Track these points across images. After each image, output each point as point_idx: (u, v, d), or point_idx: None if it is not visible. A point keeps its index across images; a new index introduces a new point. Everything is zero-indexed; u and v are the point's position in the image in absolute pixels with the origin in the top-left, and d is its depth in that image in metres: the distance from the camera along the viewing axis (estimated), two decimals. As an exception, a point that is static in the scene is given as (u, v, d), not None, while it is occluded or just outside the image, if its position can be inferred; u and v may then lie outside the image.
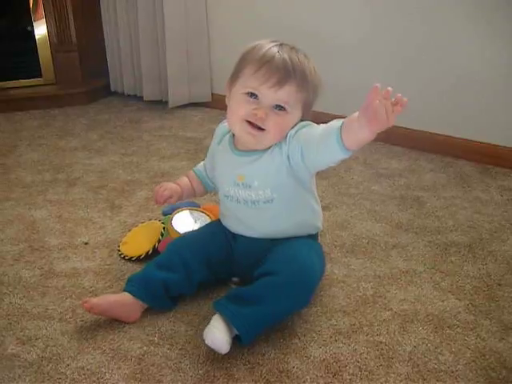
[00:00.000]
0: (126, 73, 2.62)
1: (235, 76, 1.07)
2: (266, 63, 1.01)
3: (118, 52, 2.61)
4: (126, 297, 1.08)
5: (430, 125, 1.92)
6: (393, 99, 0.85)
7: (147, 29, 2.43)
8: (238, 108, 1.05)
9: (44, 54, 2.64)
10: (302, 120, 1.08)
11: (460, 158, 1.86)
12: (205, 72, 2.47)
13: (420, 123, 1.94)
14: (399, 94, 0.85)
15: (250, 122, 1.03)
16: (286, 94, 1.02)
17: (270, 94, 1.02)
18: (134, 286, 1.10)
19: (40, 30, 2.60)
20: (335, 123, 0.95)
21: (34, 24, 2.59)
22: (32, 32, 2.60)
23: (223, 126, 1.20)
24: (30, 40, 2.61)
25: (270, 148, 1.07)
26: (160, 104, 2.53)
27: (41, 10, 2.58)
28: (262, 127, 1.03)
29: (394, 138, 1.96)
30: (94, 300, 1.06)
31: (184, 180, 1.28)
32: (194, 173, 1.30)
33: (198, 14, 2.38)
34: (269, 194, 1.08)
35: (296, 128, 1.05)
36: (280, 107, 1.03)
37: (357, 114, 0.89)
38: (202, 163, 1.31)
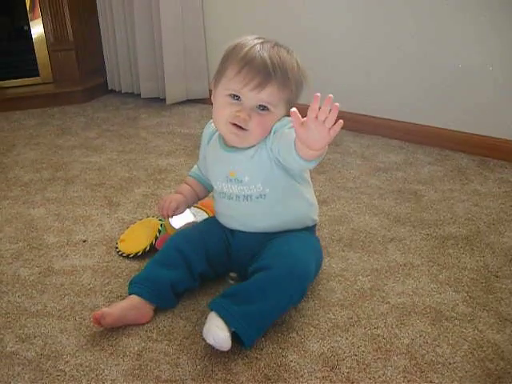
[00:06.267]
0: (123, 71, 2.62)
1: (219, 75, 1.08)
2: (246, 65, 1.01)
3: (115, 50, 2.60)
4: (135, 300, 1.07)
5: (427, 118, 1.92)
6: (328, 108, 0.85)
7: (144, 26, 2.43)
8: (222, 110, 1.06)
9: (41, 53, 2.63)
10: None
11: (457, 150, 1.86)
12: (202, 68, 2.47)
13: (417, 116, 1.94)
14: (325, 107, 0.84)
15: (233, 123, 1.04)
16: (268, 95, 1.02)
17: (252, 96, 1.03)
18: (141, 288, 1.08)
19: (37, 29, 2.59)
20: (293, 137, 0.95)
21: (31, 23, 2.58)
22: (29, 31, 2.60)
23: (210, 127, 1.21)
24: (26, 39, 2.61)
25: (256, 144, 1.08)
26: (157, 101, 2.53)
27: (37, 9, 2.57)
28: (245, 128, 1.04)
29: (392, 132, 1.97)
30: (105, 309, 1.03)
31: (184, 187, 1.28)
32: (191, 177, 1.29)
33: (194, 11, 2.37)
34: (260, 188, 1.09)
35: (279, 124, 1.06)
36: (263, 107, 1.04)
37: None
38: (195, 166, 1.31)
